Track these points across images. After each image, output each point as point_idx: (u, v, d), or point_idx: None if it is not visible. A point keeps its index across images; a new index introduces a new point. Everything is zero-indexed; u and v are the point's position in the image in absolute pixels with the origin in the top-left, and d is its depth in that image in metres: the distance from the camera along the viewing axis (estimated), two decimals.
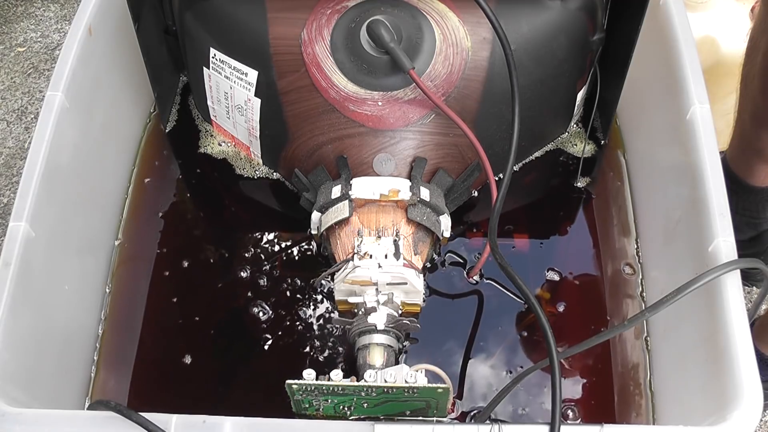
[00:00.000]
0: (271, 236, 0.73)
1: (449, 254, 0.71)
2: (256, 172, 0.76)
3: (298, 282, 0.70)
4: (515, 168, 0.76)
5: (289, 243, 0.72)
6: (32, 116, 1.40)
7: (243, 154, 0.77)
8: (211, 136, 0.79)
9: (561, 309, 0.69)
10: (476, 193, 0.74)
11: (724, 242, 0.56)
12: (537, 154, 0.78)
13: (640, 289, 0.70)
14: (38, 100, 1.43)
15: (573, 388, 0.65)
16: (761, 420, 0.78)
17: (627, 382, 0.66)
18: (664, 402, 0.63)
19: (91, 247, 0.70)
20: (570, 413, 0.63)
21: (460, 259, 0.71)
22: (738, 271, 0.54)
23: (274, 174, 0.76)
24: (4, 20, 1.55)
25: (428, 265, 0.69)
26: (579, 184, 0.77)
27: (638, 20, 0.68)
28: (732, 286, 0.54)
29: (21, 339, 0.56)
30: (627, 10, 0.71)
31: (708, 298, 0.55)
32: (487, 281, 0.69)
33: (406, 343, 0.65)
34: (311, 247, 0.72)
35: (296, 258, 0.71)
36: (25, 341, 0.56)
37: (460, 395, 0.64)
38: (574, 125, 0.80)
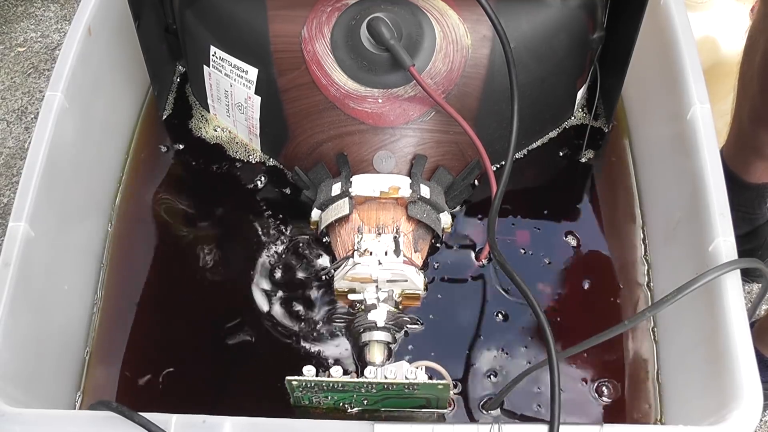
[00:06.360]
0: (269, 223, 0.72)
1: (456, 237, 0.70)
2: (251, 157, 0.76)
3: (299, 273, 0.69)
4: (517, 156, 0.75)
5: (288, 230, 0.71)
6: (32, 116, 1.40)
7: (238, 139, 0.77)
8: (206, 121, 0.78)
9: (586, 286, 0.68)
10: (476, 183, 0.73)
11: (724, 242, 0.56)
12: (539, 143, 0.77)
13: (647, 279, 0.69)
14: (38, 100, 1.43)
15: (599, 367, 0.64)
16: (761, 420, 0.78)
17: (638, 372, 0.65)
18: (667, 400, 0.63)
19: (90, 246, 0.70)
20: (605, 389, 0.63)
21: (469, 242, 0.70)
22: (738, 271, 0.54)
23: (270, 160, 0.75)
24: (4, 20, 1.55)
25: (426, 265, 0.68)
26: (583, 159, 0.76)
27: (638, 19, 0.68)
28: (732, 286, 0.54)
29: (21, 339, 0.56)
30: (627, 9, 0.71)
31: (708, 298, 0.55)
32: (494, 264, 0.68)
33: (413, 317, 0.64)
34: (310, 234, 0.71)
35: (297, 246, 0.70)
36: (24, 341, 0.56)
37: (464, 380, 0.63)
38: (579, 111, 0.79)
